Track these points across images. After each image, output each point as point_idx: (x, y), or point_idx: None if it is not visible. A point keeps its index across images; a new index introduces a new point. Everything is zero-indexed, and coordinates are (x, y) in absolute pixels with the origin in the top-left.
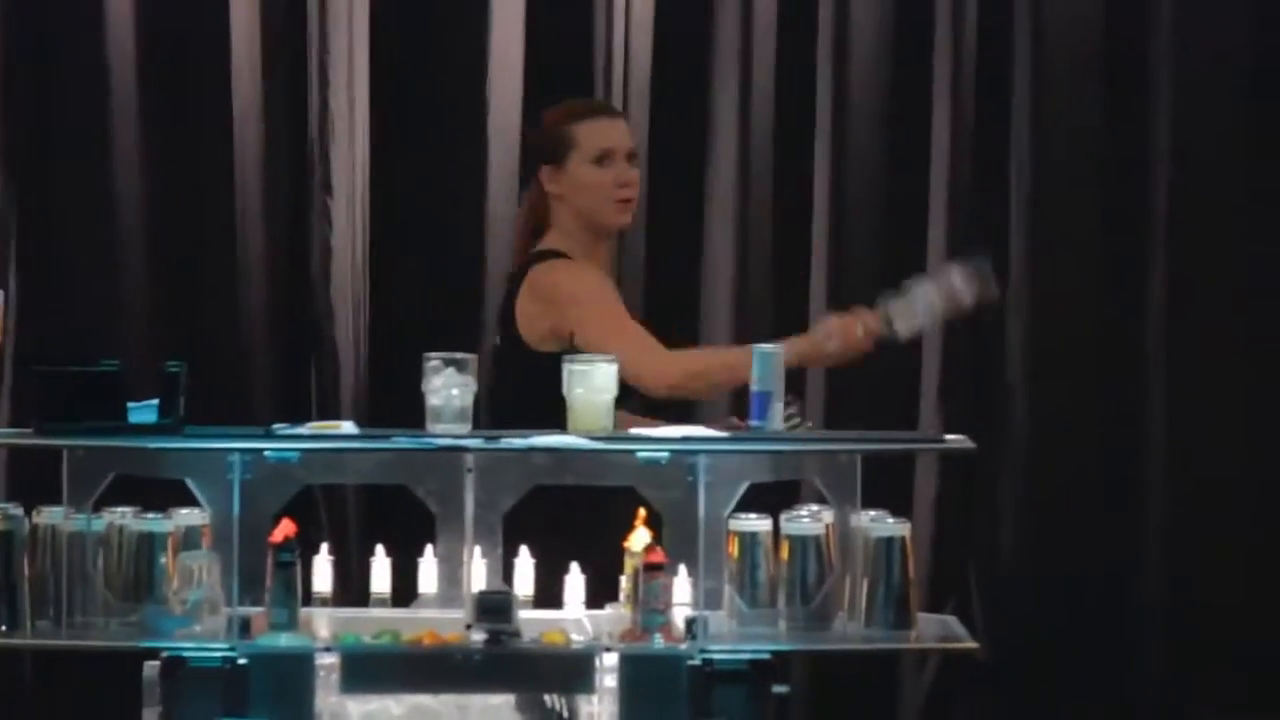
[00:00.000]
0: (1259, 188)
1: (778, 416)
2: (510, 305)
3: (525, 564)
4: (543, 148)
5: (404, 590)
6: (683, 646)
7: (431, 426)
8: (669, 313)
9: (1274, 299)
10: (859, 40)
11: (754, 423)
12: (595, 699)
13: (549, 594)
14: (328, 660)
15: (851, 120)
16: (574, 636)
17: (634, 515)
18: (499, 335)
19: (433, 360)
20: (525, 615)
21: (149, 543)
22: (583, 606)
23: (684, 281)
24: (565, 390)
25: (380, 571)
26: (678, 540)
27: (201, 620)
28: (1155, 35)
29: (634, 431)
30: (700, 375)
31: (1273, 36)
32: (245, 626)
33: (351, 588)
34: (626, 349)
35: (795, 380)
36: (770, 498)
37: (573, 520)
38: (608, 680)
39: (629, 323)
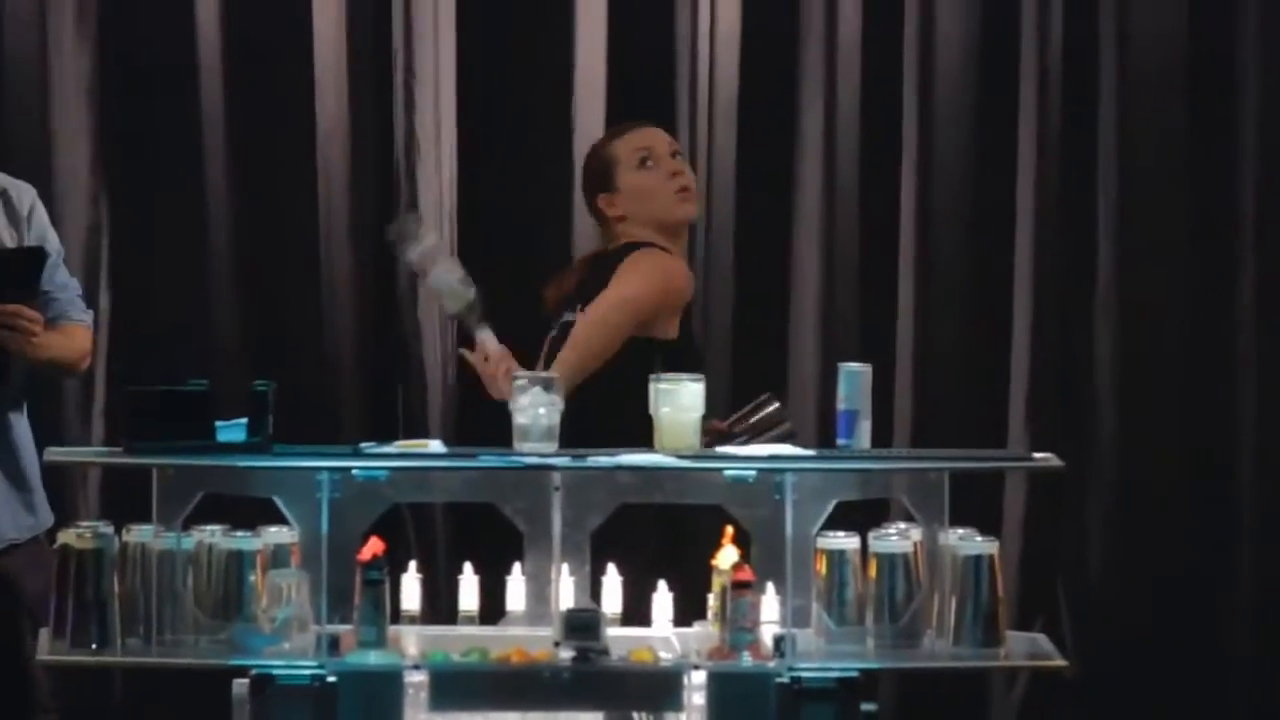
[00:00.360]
0: None
1: (865, 435)
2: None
3: (613, 581)
4: (592, 180)
5: (492, 608)
6: (771, 664)
7: (519, 445)
8: (758, 329)
9: None
10: (944, 53)
11: (841, 441)
12: (684, 717)
13: (637, 612)
14: (416, 678)
15: (937, 133)
16: (662, 654)
17: (721, 533)
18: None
19: (520, 379)
20: (613, 633)
21: (238, 561)
22: (670, 624)
23: (772, 298)
24: (652, 409)
25: (468, 589)
26: (765, 558)
27: (290, 638)
28: (1240, 40)
29: (721, 450)
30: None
31: None
32: (334, 644)
33: (439, 606)
34: (577, 349)
35: (879, 396)
36: (858, 516)
37: (660, 538)
38: (696, 698)
39: (602, 334)
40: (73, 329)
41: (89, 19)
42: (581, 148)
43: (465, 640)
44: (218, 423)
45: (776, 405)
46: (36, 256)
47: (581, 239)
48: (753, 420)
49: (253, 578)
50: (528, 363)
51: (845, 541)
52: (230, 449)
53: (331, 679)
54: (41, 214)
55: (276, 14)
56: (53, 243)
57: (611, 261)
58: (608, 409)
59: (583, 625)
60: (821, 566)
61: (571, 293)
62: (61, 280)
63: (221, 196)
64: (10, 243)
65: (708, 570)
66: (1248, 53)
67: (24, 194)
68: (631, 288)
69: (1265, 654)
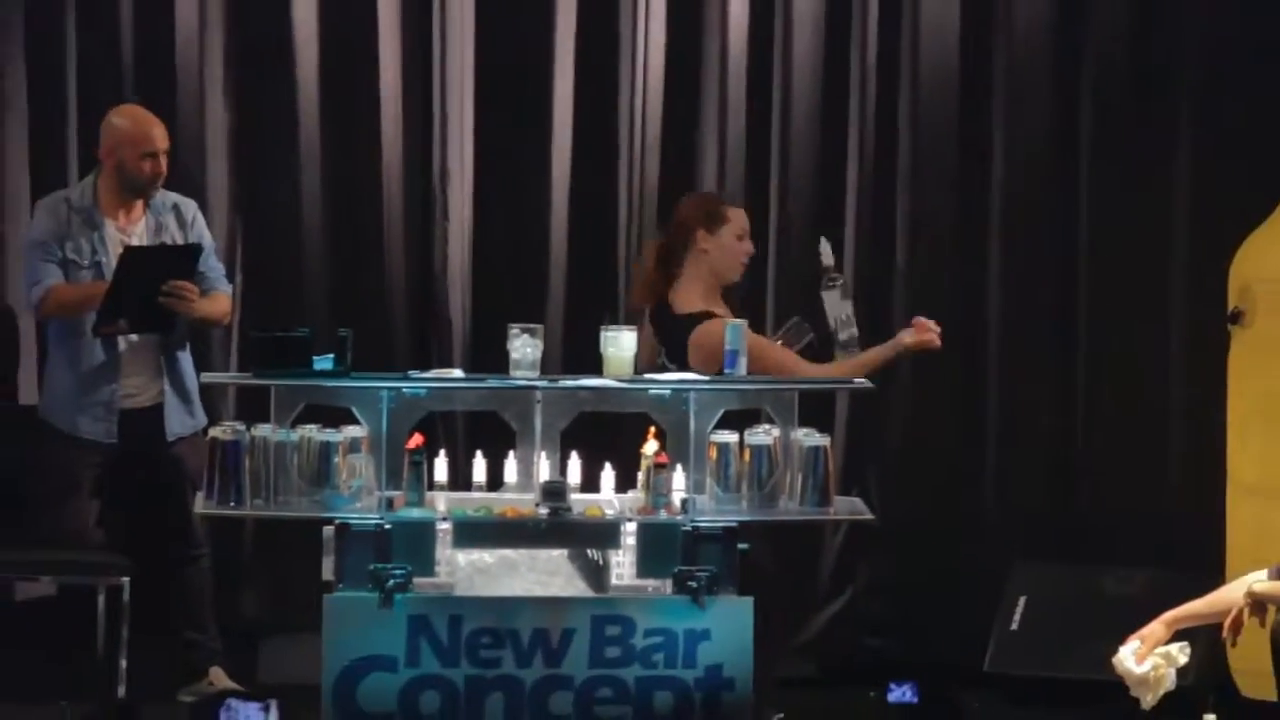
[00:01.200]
0: None
1: (743, 367)
2: (681, 348)
3: (574, 464)
4: (701, 217)
5: (494, 480)
6: (679, 518)
7: (513, 373)
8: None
9: None
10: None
11: (727, 370)
12: (620, 553)
13: (590, 483)
14: (444, 526)
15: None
16: (607, 511)
17: (647, 431)
18: (665, 363)
19: (514, 329)
20: (575, 497)
21: (327, 449)
22: (613, 492)
23: None
24: (602, 348)
25: (479, 468)
26: (676, 448)
27: (361, 500)
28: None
29: (648, 376)
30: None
31: None
32: (390, 504)
33: (459, 479)
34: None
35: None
36: (738, 420)
37: (607, 434)
38: (629, 540)
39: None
40: (218, 296)
41: (231, 80)
42: (559, 189)
43: (477, 502)
44: (314, 357)
45: (796, 320)
46: (195, 250)
47: (556, 228)
48: (786, 333)
49: (336, 460)
50: None
51: (729, 437)
52: (322, 374)
53: (388, 527)
54: (201, 221)
55: (356, 70)
56: (208, 240)
57: (683, 325)
58: None
59: (554, 492)
60: (713, 453)
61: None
62: (212, 264)
63: (315, 211)
64: (180, 242)
65: (638, 456)
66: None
67: (189, 207)
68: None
69: (1005, 507)
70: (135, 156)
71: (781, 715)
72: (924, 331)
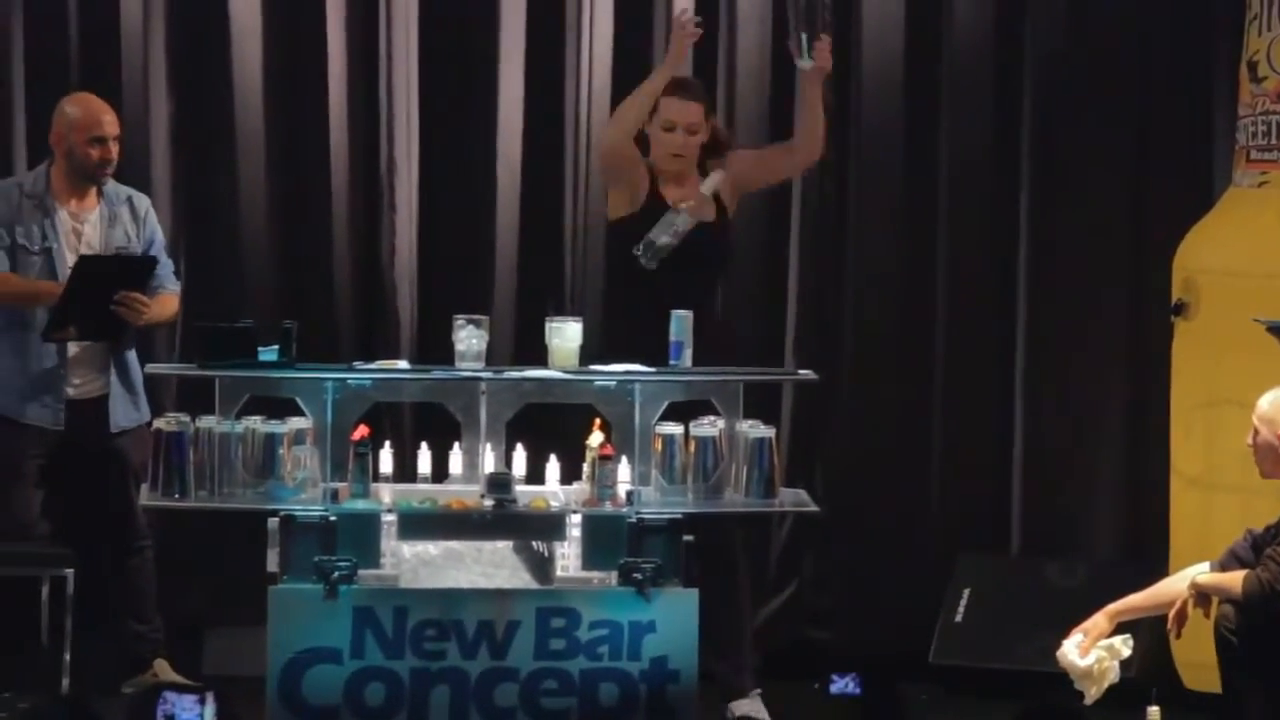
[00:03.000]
0: None
1: (688, 358)
2: None
3: (520, 456)
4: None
5: (440, 472)
6: (624, 510)
7: (458, 364)
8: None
9: None
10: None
11: (673, 361)
12: (566, 545)
13: (535, 475)
14: (389, 518)
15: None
16: (552, 503)
17: (593, 423)
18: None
19: (459, 320)
20: (520, 489)
21: (272, 440)
22: (558, 484)
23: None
24: (547, 340)
25: (424, 459)
26: (621, 440)
27: (306, 491)
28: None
29: (593, 368)
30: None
31: None
32: (334, 495)
33: (405, 470)
34: None
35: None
36: (684, 411)
37: (552, 426)
38: (574, 532)
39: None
40: (166, 298)
41: (175, 71)
42: (506, 171)
43: (422, 493)
44: (259, 348)
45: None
46: (149, 263)
47: (502, 228)
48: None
49: (281, 451)
50: None
51: (674, 429)
52: (267, 366)
53: (333, 518)
54: (154, 217)
55: (301, 61)
56: (159, 237)
57: None
58: None
59: (499, 484)
60: (658, 445)
61: None
62: (162, 261)
63: (260, 202)
64: (134, 236)
65: (583, 448)
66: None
67: (141, 201)
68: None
69: (949, 500)
70: (83, 141)
71: (759, 690)
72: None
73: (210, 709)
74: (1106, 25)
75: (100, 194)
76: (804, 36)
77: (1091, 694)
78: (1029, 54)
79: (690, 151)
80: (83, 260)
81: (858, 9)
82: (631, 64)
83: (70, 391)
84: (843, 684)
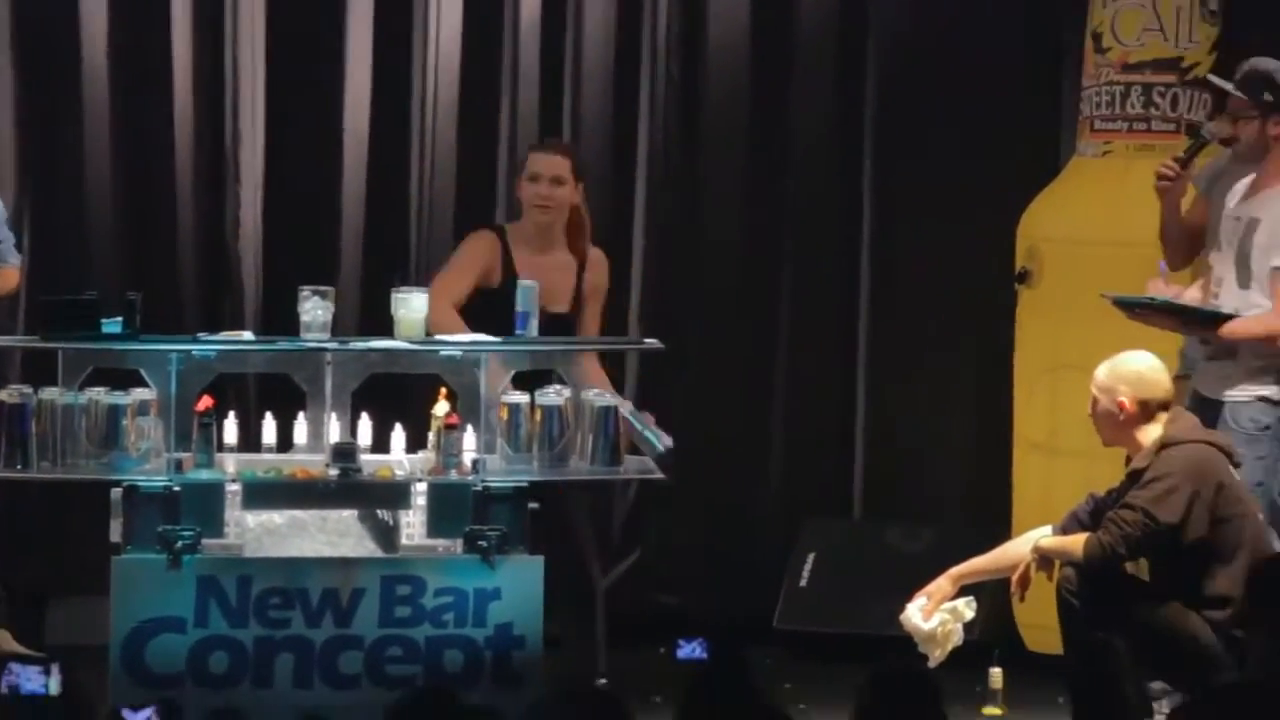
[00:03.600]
0: None
1: (534, 329)
2: None
3: (365, 425)
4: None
5: (284, 442)
6: (470, 478)
7: (304, 335)
8: None
9: None
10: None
11: (519, 332)
12: (411, 514)
13: (381, 444)
14: (233, 488)
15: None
16: (397, 472)
17: (438, 393)
18: None
19: (304, 291)
20: (365, 458)
21: (115, 411)
22: (404, 452)
23: None
24: (392, 310)
25: (268, 430)
26: (467, 409)
27: (149, 461)
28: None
29: (437, 336)
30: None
31: None
32: (178, 465)
33: (250, 441)
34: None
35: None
36: (529, 380)
37: (397, 395)
38: (420, 501)
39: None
40: (7, 271)
41: (16, 39)
42: (351, 150)
43: (266, 463)
44: (102, 320)
45: None
46: None
47: (348, 200)
48: None
49: (125, 422)
50: None
51: (519, 398)
52: (110, 338)
53: (177, 489)
54: None
55: (146, 32)
56: (0, 210)
57: None
58: None
59: (344, 453)
60: (504, 414)
61: None
62: (3, 235)
63: (105, 167)
64: None
65: (429, 417)
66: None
67: None
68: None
69: (794, 464)
70: None
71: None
72: None
73: (55, 679)
74: None
75: None
76: None
77: (935, 656)
78: (874, 21)
79: (556, 203)
80: None
81: None
82: (481, 26)
83: None
84: (689, 649)
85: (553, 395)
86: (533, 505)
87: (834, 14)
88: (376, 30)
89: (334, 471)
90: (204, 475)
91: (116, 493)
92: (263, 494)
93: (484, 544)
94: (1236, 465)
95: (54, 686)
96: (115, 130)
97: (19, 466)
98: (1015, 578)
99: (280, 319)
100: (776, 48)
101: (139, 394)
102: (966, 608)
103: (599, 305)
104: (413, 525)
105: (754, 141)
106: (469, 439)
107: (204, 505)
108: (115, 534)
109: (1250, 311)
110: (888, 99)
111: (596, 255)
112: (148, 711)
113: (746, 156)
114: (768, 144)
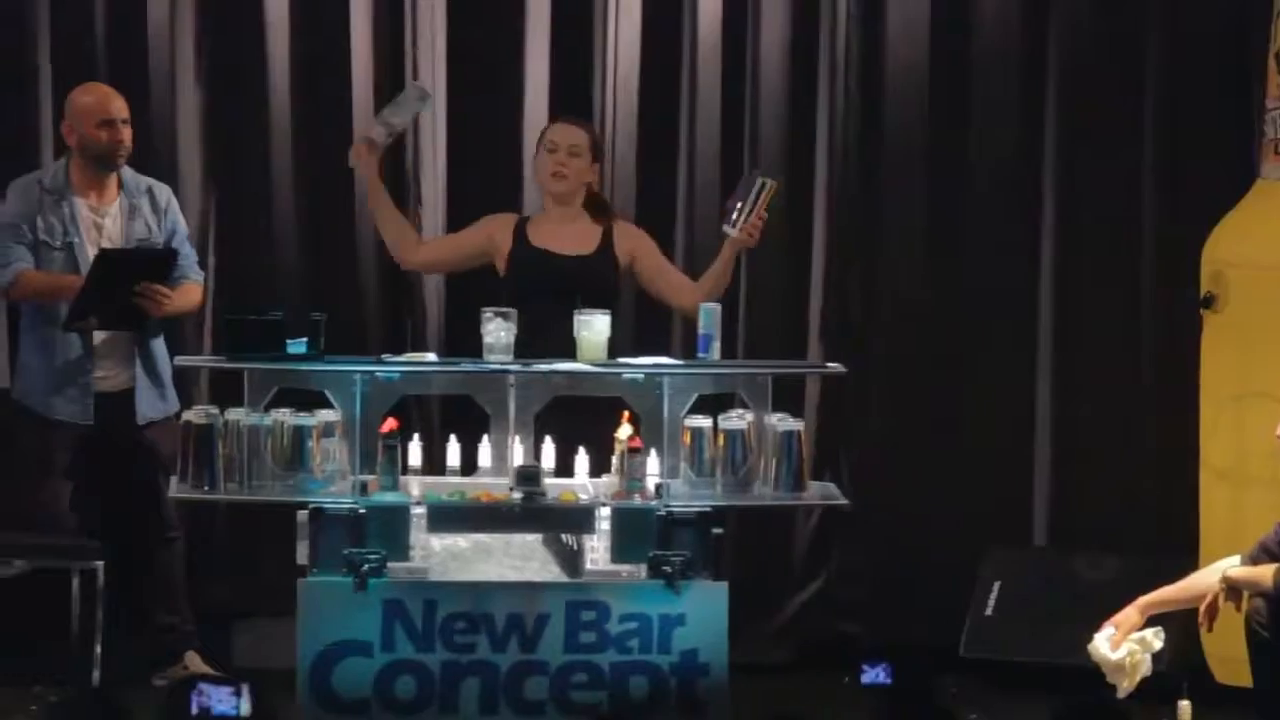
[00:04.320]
0: None
1: (716, 351)
2: None
3: (549, 448)
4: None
5: (468, 465)
6: (653, 503)
7: (487, 356)
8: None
9: None
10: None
11: (701, 354)
12: (595, 538)
13: (564, 468)
14: (418, 510)
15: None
16: (581, 496)
17: (621, 416)
18: None
19: (487, 313)
20: (549, 482)
21: (301, 433)
22: (587, 476)
23: None
24: (575, 333)
25: (453, 452)
26: (650, 432)
27: (335, 484)
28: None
29: (621, 361)
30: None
31: None
32: (364, 488)
33: (434, 463)
34: None
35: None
36: (712, 404)
37: (581, 419)
38: (604, 525)
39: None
40: (189, 288)
41: (203, 61)
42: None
43: (450, 486)
44: (288, 341)
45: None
46: (170, 255)
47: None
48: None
49: (310, 444)
50: None
51: (703, 421)
52: (297, 358)
53: (362, 511)
54: (175, 206)
55: (327, 43)
56: (182, 226)
57: None
58: None
59: (528, 476)
60: (687, 438)
61: None
62: (185, 251)
63: (289, 194)
64: (155, 228)
65: (612, 440)
66: None
67: (162, 192)
68: None
69: (979, 492)
70: (92, 126)
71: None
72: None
73: (246, 700)
74: (1133, 7)
75: (120, 186)
76: (739, 207)
77: (1123, 687)
78: (1055, 42)
79: (573, 173)
80: (102, 254)
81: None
82: (658, 52)
83: (99, 385)
84: (874, 674)
85: (736, 419)
86: (716, 530)
87: (1015, 35)
88: (553, 54)
89: (518, 495)
90: (389, 498)
91: (303, 515)
92: (447, 517)
93: (668, 569)
94: None
95: (245, 708)
96: (298, 151)
97: (206, 488)
98: (1203, 608)
99: (464, 341)
100: (957, 75)
101: (324, 415)
102: (1155, 638)
103: (658, 258)
104: (596, 550)
105: (934, 163)
106: (652, 463)
107: (389, 528)
108: (301, 556)
109: None
110: (1070, 119)
111: (624, 224)
112: None
113: (926, 177)
114: (947, 167)
